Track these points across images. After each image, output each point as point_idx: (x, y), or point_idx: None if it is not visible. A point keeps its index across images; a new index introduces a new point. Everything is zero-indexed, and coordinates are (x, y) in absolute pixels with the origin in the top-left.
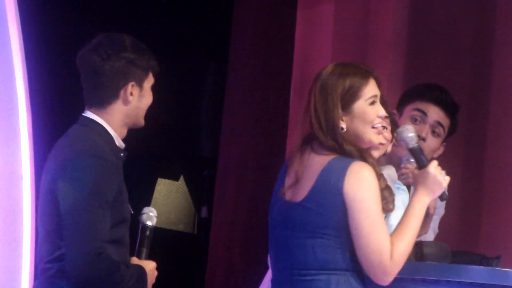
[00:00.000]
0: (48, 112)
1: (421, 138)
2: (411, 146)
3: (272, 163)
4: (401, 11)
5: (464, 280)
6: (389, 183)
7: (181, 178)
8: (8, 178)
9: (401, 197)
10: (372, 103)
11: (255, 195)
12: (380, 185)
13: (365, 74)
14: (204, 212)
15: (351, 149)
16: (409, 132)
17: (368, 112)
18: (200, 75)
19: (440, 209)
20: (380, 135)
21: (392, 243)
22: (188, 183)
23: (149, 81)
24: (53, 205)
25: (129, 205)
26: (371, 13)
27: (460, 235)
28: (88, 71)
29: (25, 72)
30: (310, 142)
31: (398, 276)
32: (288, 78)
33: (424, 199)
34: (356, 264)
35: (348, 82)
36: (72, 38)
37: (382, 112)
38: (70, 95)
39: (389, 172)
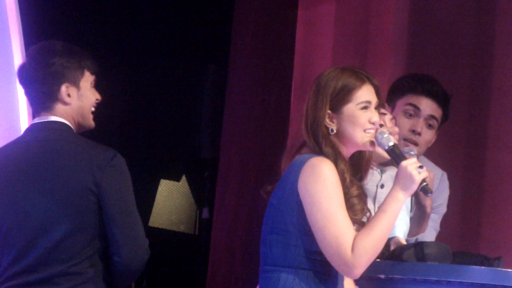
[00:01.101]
0: None
1: (416, 133)
2: (387, 147)
3: (273, 164)
4: (402, 11)
5: (465, 281)
6: (392, 184)
7: (182, 179)
8: None
9: None
10: (365, 107)
11: (256, 196)
12: (351, 192)
13: (361, 79)
14: (205, 213)
15: (328, 152)
16: (384, 134)
17: (358, 116)
18: (200, 76)
19: (442, 208)
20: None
21: (356, 236)
22: (189, 184)
23: (86, 80)
24: (88, 204)
25: None
26: (371, 14)
27: (460, 236)
28: (28, 81)
29: None
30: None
31: (398, 276)
32: (288, 79)
33: (397, 194)
34: (313, 263)
35: (340, 83)
36: (72, 39)
37: (375, 118)
38: None
39: (393, 173)
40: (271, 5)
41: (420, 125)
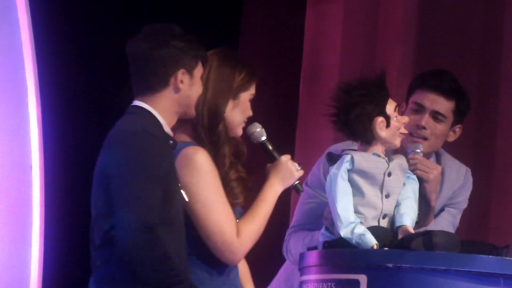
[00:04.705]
0: (57, 102)
1: (420, 127)
2: (260, 140)
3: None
4: (411, 4)
5: (473, 270)
6: (400, 172)
7: None
8: (17, 169)
9: (411, 186)
10: (250, 99)
11: None
12: (229, 177)
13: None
14: None
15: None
16: (256, 128)
17: (248, 107)
18: None
19: (463, 204)
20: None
21: (241, 223)
22: None
23: (199, 70)
24: (103, 188)
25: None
26: (380, 6)
27: (469, 225)
28: (138, 60)
29: (35, 63)
30: None
31: (407, 265)
32: (297, 73)
33: (274, 186)
34: (202, 248)
35: (245, 71)
36: (81, 33)
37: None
38: (78, 86)
39: (401, 161)
40: None
41: (425, 120)
